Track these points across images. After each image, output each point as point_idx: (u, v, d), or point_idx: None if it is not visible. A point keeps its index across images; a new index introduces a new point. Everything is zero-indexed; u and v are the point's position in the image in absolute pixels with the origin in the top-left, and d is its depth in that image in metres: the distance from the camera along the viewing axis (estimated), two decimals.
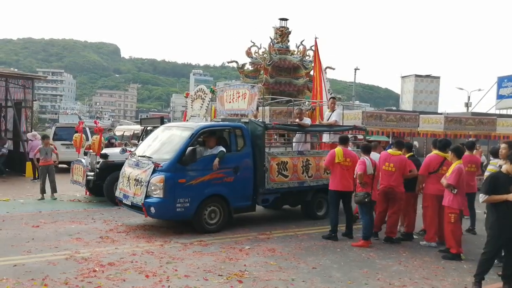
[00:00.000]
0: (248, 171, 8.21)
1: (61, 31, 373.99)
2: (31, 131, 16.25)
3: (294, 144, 9.80)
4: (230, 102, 9.54)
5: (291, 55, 17.27)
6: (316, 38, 13.03)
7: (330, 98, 10.81)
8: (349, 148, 8.21)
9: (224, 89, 9.95)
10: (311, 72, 15.23)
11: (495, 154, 8.65)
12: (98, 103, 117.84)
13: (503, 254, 5.71)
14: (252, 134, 8.39)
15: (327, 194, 9.04)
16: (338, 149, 7.82)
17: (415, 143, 9.97)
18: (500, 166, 6.97)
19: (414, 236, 8.01)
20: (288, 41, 17.70)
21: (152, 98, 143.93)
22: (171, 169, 7.41)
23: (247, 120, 8.64)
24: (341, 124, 9.98)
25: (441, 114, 20.68)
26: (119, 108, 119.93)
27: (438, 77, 57.71)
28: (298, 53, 17.30)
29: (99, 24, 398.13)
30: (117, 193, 8.40)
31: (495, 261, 5.83)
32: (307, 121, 9.55)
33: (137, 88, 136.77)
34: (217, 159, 7.66)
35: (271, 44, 17.13)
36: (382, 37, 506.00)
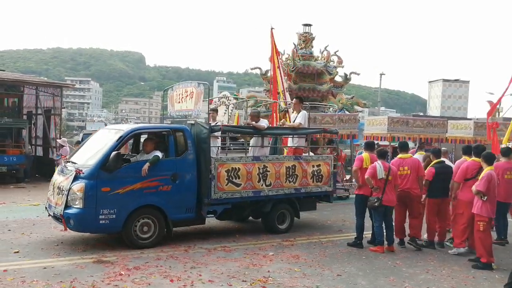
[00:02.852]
0: (190, 179, 7.36)
1: (88, 41, 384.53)
2: (60, 137, 16.67)
3: (250, 148, 8.93)
4: (179, 102, 8.76)
5: (315, 61, 17.22)
6: (272, 28, 11.56)
7: (294, 98, 9.88)
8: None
9: (174, 88, 9.15)
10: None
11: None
12: (123, 111, 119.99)
13: None
14: (197, 137, 7.57)
15: (289, 205, 8.56)
16: (366, 155, 7.76)
17: (443, 149, 9.68)
18: None
19: (447, 244, 7.81)
20: (312, 46, 17.65)
21: None
22: (93, 176, 6.61)
23: (192, 122, 7.93)
24: (307, 127, 9.21)
25: (470, 119, 20.14)
26: (144, 115, 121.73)
27: (468, 82, 56.55)
28: (322, 58, 17.25)
29: (124, 33, 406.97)
30: (45, 203, 7.84)
31: None
32: (263, 123, 8.61)
33: (162, 95, 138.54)
34: (146, 165, 6.86)
35: (295, 50, 17.12)
36: (408, 41, 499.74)
